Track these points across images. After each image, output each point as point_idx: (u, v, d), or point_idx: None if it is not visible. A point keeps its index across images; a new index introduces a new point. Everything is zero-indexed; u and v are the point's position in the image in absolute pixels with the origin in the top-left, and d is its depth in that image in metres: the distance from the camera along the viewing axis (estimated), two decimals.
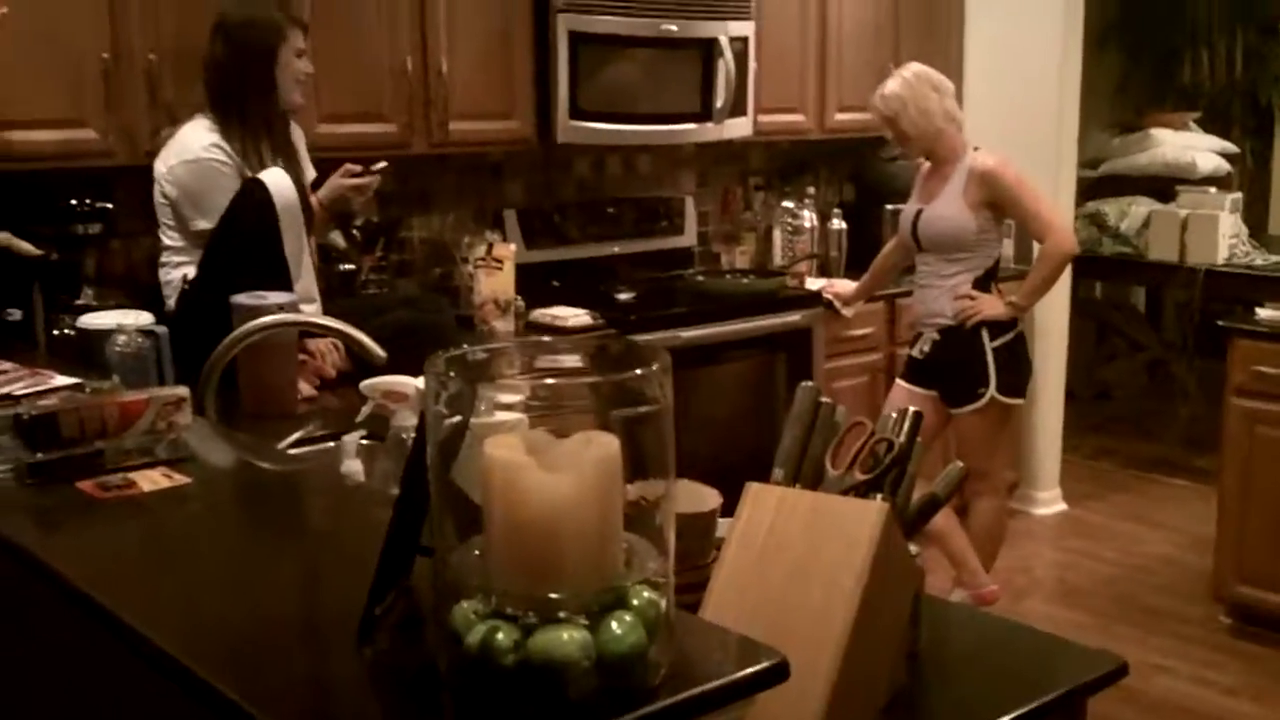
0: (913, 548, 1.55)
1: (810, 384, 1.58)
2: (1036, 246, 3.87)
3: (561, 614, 1.03)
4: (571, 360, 1.21)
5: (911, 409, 1.52)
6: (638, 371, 1.09)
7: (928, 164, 3.81)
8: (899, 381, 3.89)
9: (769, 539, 1.43)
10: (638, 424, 1.14)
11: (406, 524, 1.26)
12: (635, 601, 1.09)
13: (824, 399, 1.56)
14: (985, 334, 3.64)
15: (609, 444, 1.08)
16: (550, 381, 1.09)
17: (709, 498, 1.66)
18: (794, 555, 1.39)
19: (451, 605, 1.11)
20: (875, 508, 1.40)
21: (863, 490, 1.47)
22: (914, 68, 3.71)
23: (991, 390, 3.65)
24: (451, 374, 1.12)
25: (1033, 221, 3.68)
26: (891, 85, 3.66)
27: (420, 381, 1.93)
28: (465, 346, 1.31)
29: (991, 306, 3.65)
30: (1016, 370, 3.73)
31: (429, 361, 1.13)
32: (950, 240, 3.65)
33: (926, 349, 3.74)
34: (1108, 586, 4.39)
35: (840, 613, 1.33)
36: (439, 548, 1.18)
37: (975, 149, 3.69)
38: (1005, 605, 4.24)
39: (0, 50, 2.81)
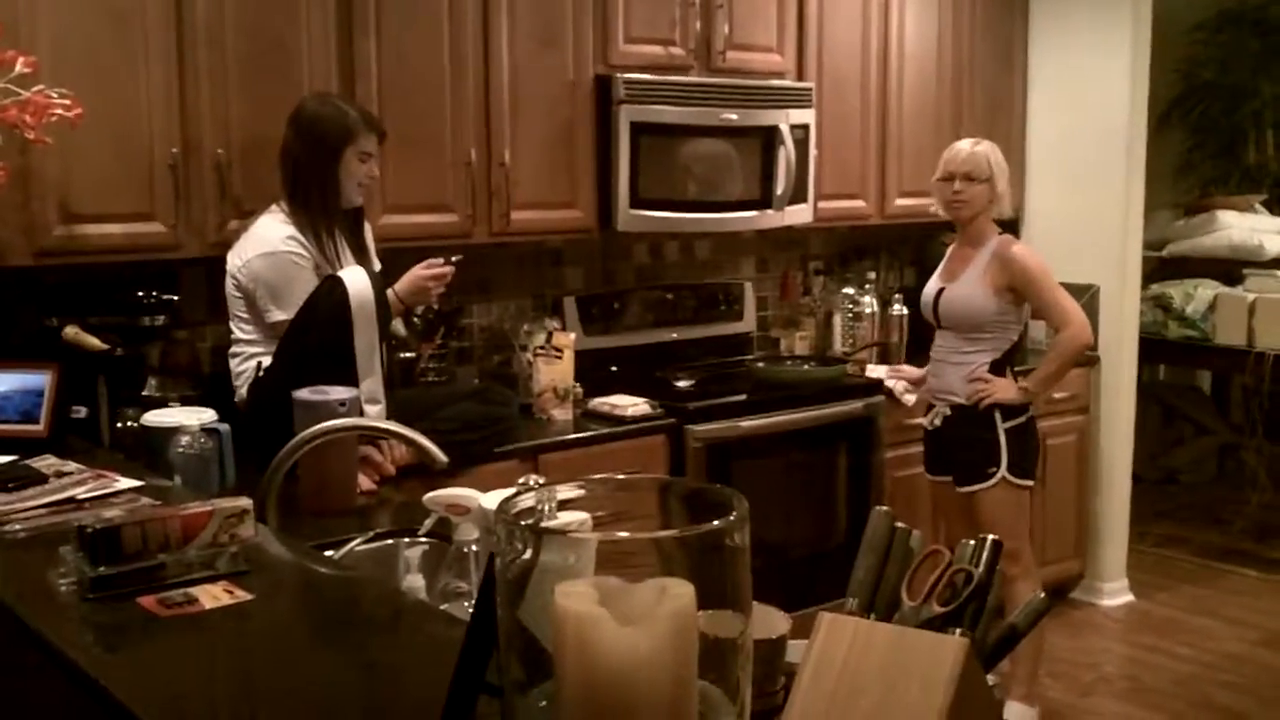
0: (991, 678, 1.49)
1: (884, 509, 1.53)
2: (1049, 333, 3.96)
3: None
4: (646, 500, 1.18)
5: (991, 537, 1.47)
6: (716, 524, 1.05)
7: (953, 246, 3.88)
8: (927, 476, 3.94)
9: (843, 675, 1.38)
10: (713, 567, 1.11)
11: (473, 663, 1.23)
12: None
13: (899, 524, 1.51)
14: (998, 414, 3.67)
15: (684, 594, 1.05)
16: (623, 535, 1.05)
17: (778, 622, 1.61)
18: (870, 695, 1.34)
19: None
20: (955, 644, 1.35)
21: (940, 623, 1.42)
22: (995, 147, 3.77)
23: (1002, 470, 3.67)
24: (521, 521, 1.09)
25: (1051, 311, 3.72)
26: (987, 149, 3.72)
27: (484, 498, 1.91)
28: (534, 481, 1.29)
29: (1005, 390, 3.68)
30: (1027, 452, 3.74)
31: (500, 505, 1.11)
32: (969, 320, 3.70)
33: (938, 422, 3.81)
34: (1179, 685, 4.26)
35: None
36: (506, 689, 1.15)
37: (1001, 234, 3.75)
38: (1073, 701, 4.14)
39: (74, 147, 2.85)
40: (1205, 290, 5.67)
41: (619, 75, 3.83)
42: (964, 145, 3.75)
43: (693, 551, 1.09)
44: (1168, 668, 4.41)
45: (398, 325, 3.56)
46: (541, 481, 1.73)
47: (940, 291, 3.77)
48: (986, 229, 3.73)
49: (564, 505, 1.30)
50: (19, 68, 2.67)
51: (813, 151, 4.31)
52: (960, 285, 3.71)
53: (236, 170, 3.20)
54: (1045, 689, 4.01)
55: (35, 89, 2.69)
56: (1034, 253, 3.74)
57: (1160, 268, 5.90)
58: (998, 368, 3.71)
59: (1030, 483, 3.77)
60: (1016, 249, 3.68)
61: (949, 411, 3.76)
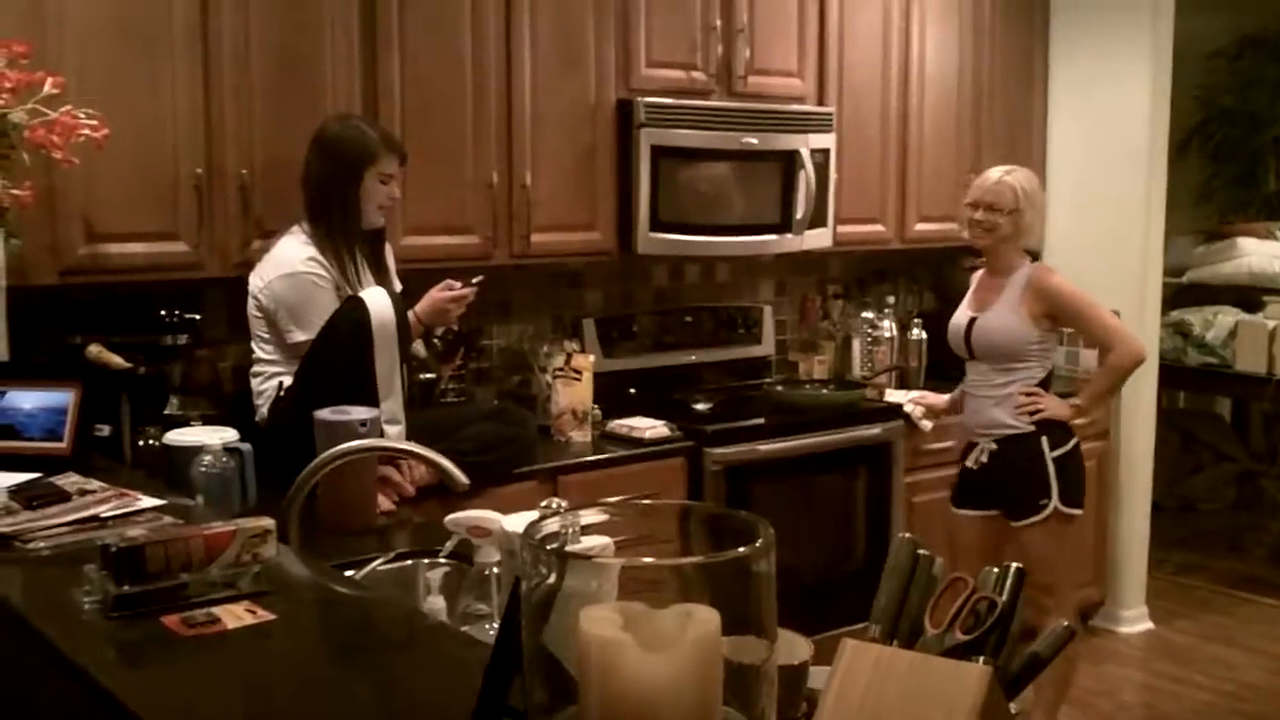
0: (1013, 706, 1.49)
1: (908, 536, 1.53)
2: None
3: None
4: (668, 525, 1.19)
5: (1014, 565, 1.47)
6: (741, 550, 1.06)
7: (980, 272, 3.82)
8: (955, 511, 3.81)
9: (865, 701, 1.37)
10: (737, 593, 1.11)
11: (497, 686, 1.24)
12: None
13: (922, 551, 1.51)
14: (1046, 443, 3.59)
15: (709, 620, 1.05)
16: (648, 561, 1.05)
17: (800, 647, 1.61)
18: None
19: None
20: (977, 672, 1.34)
21: (963, 651, 1.42)
22: (1030, 177, 3.69)
23: (1054, 501, 3.59)
24: (547, 545, 1.10)
25: (1098, 333, 3.67)
26: (1018, 179, 3.63)
27: (506, 520, 1.92)
28: (557, 504, 1.29)
29: (1056, 407, 3.61)
30: (1076, 480, 3.66)
31: (526, 529, 1.11)
32: (1006, 350, 3.62)
33: (984, 459, 3.67)
34: (1198, 715, 4.23)
35: None
36: (530, 713, 1.15)
37: (1033, 261, 3.70)
38: None
39: (99, 168, 2.87)
40: (1225, 317, 5.66)
41: (640, 99, 3.85)
42: (994, 173, 3.66)
43: (717, 577, 1.09)
44: (1187, 696, 4.38)
45: (418, 346, 3.58)
46: (564, 505, 1.73)
47: (972, 321, 3.68)
48: (1013, 258, 3.65)
49: (586, 530, 1.30)
50: (47, 88, 2.70)
51: (833, 175, 4.32)
52: (994, 315, 3.63)
53: (259, 191, 3.22)
54: (1063, 716, 3.98)
55: (63, 109, 2.71)
56: (1068, 280, 3.66)
57: (1179, 294, 5.89)
58: None
59: (1079, 511, 3.68)
60: (1055, 279, 3.61)
61: (994, 446, 3.64)
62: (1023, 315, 3.59)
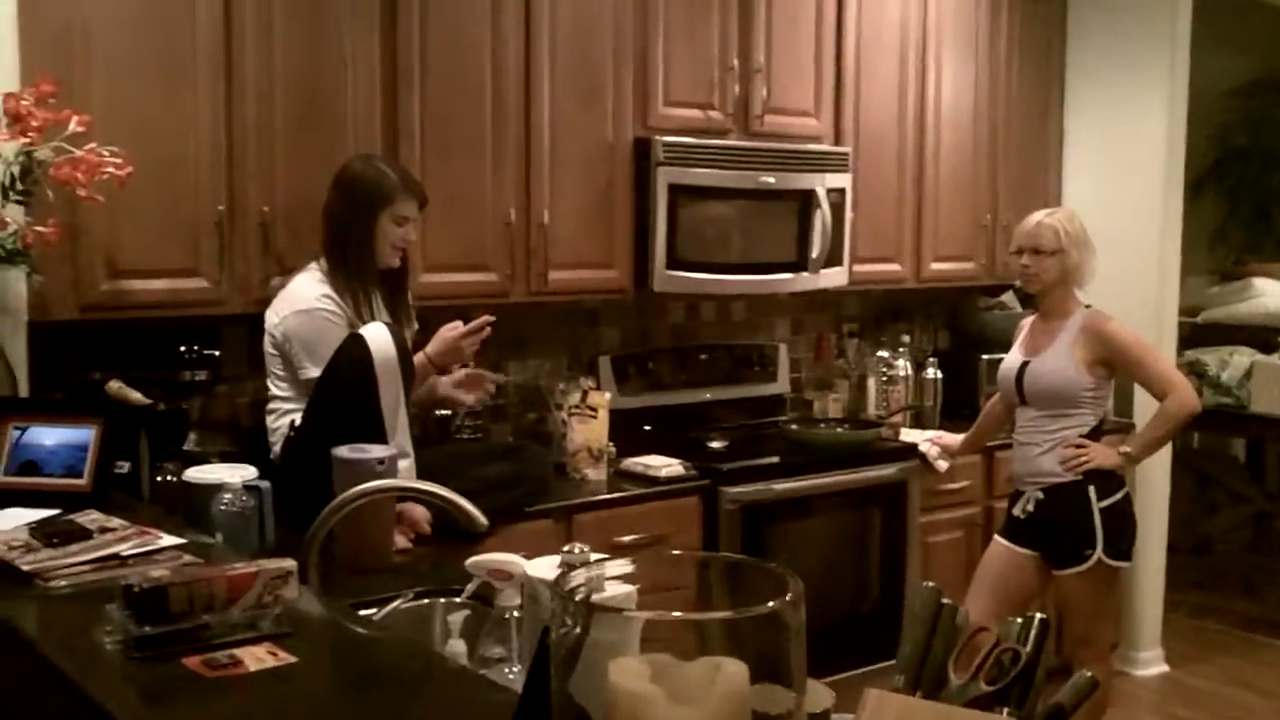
0: None
1: (931, 584, 1.53)
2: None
3: None
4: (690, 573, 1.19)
5: (1039, 615, 1.46)
6: (771, 605, 1.06)
7: (1030, 318, 3.79)
8: (997, 539, 3.79)
9: None
10: (765, 644, 1.11)
11: None
12: None
13: (945, 600, 1.51)
14: (1093, 492, 3.55)
15: (738, 674, 1.05)
16: (676, 615, 1.05)
17: (822, 695, 1.60)
18: None
19: None
20: None
21: (987, 702, 1.41)
22: (1071, 217, 3.69)
23: (1098, 553, 3.55)
24: (575, 596, 1.10)
25: (1154, 381, 3.62)
26: (1058, 220, 3.63)
27: (528, 565, 1.92)
28: (579, 548, 1.29)
29: (1104, 456, 3.57)
30: (1124, 532, 3.62)
31: (556, 581, 1.11)
32: (1060, 395, 3.58)
33: (1030, 508, 3.65)
34: None
35: None
36: None
37: (1088, 306, 3.66)
38: None
39: (122, 204, 2.88)
40: (1241, 357, 5.64)
41: (658, 137, 3.87)
42: (1035, 217, 3.66)
43: (746, 630, 1.09)
44: None
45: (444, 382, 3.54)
46: (586, 549, 1.73)
47: (1025, 365, 3.65)
48: (1066, 301, 3.64)
49: (609, 578, 1.30)
50: (73, 126, 2.73)
51: (849, 215, 4.33)
52: (1048, 359, 3.60)
53: (280, 228, 3.24)
54: None
55: (87, 147, 2.74)
56: (1126, 325, 3.64)
57: (1195, 334, 5.88)
58: None
59: (1126, 564, 3.67)
60: (1111, 325, 3.59)
61: (1041, 495, 3.62)
62: (1076, 360, 3.56)
